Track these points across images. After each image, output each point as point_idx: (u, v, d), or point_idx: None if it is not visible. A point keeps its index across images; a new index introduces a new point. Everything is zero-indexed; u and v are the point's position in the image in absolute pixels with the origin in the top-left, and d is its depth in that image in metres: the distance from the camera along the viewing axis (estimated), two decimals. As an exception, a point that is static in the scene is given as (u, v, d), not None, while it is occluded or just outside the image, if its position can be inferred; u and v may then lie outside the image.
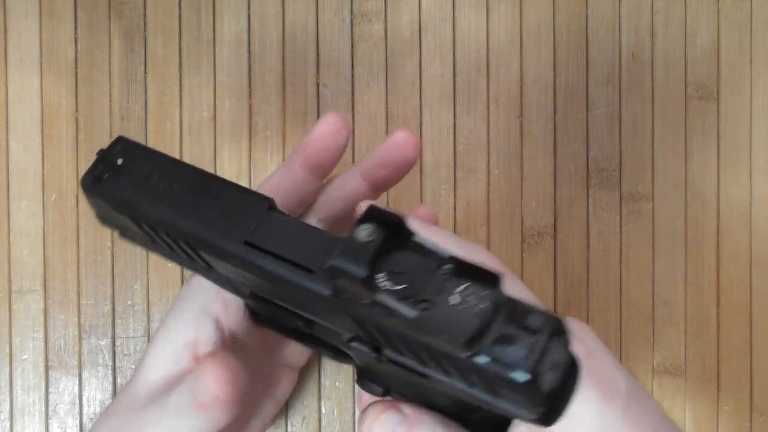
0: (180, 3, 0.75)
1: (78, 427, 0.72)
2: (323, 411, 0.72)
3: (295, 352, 0.60)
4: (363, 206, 0.45)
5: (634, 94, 0.78)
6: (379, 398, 0.50)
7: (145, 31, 0.75)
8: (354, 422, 0.72)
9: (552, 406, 0.38)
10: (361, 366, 0.50)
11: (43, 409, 0.71)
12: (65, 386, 0.71)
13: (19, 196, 0.72)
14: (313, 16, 0.75)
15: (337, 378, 0.73)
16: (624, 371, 0.43)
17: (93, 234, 0.73)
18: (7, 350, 0.71)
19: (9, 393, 0.71)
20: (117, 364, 0.72)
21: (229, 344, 0.51)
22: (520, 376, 0.36)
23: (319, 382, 0.74)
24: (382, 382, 0.49)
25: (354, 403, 0.73)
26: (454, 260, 0.38)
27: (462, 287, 0.38)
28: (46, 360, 0.72)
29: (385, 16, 0.76)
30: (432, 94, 0.76)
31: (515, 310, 0.37)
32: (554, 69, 0.77)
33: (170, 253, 0.50)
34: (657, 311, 0.77)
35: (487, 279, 0.37)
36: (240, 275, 0.46)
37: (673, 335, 0.76)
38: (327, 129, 0.51)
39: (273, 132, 0.74)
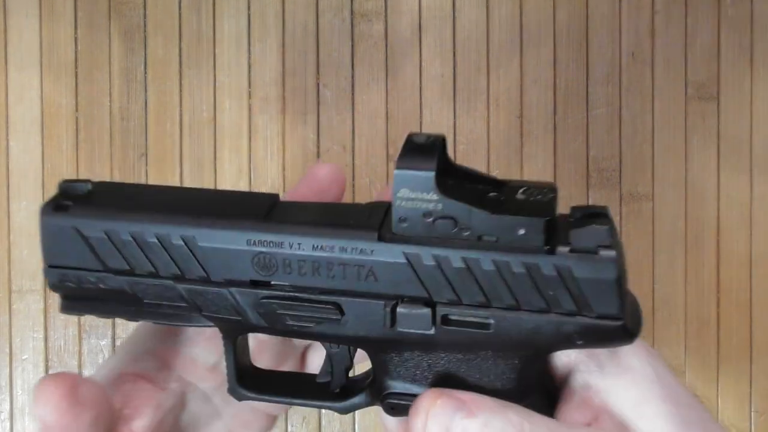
0: (180, 3, 0.75)
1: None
2: (323, 410, 0.72)
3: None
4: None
5: (634, 94, 0.78)
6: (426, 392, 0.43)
7: (145, 31, 0.75)
8: (354, 422, 0.72)
9: (632, 317, 0.38)
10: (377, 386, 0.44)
11: (43, 409, 0.71)
12: (65, 386, 0.71)
13: (19, 196, 0.72)
14: (313, 16, 0.75)
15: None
16: None
17: (93, 234, 0.73)
18: (7, 350, 0.71)
19: (9, 393, 0.71)
20: (117, 364, 0.72)
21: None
22: (607, 253, 0.36)
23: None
24: (408, 395, 0.43)
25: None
26: (498, 181, 0.40)
27: (523, 188, 0.40)
28: (46, 360, 0.72)
29: (385, 16, 0.76)
30: (432, 94, 0.76)
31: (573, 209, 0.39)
32: (554, 69, 0.77)
33: (154, 291, 0.43)
34: (657, 311, 0.77)
35: (540, 186, 0.39)
36: (249, 272, 0.42)
37: (673, 335, 0.76)
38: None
39: (273, 132, 0.74)
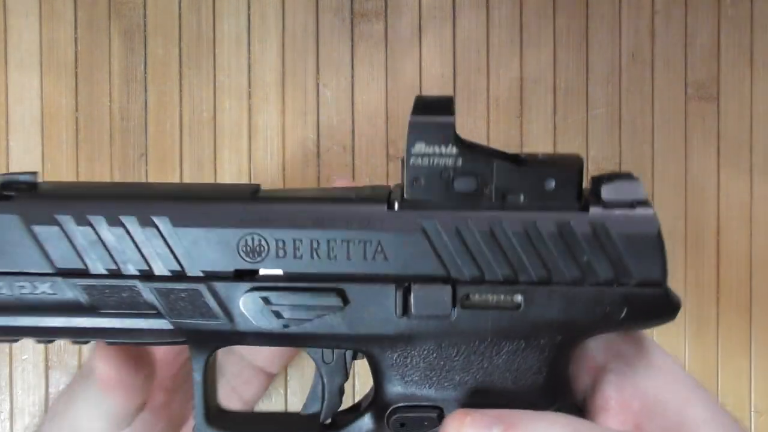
0: (180, 3, 0.75)
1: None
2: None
3: (267, 357, 0.56)
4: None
5: (634, 94, 0.78)
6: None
7: (145, 31, 0.75)
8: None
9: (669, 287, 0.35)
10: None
11: (43, 409, 0.71)
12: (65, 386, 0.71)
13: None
14: (313, 16, 0.75)
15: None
16: None
17: (93, 234, 0.73)
18: (7, 350, 0.71)
19: (9, 393, 0.71)
20: (117, 364, 0.72)
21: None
22: (645, 207, 0.33)
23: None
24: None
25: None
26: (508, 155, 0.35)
27: (542, 153, 0.36)
28: (46, 360, 0.72)
29: (385, 16, 0.76)
30: (432, 94, 0.76)
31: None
32: (554, 69, 0.77)
33: (114, 296, 0.36)
34: (657, 311, 0.77)
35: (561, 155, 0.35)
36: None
37: (673, 335, 0.76)
38: None
39: (273, 132, 0.74)
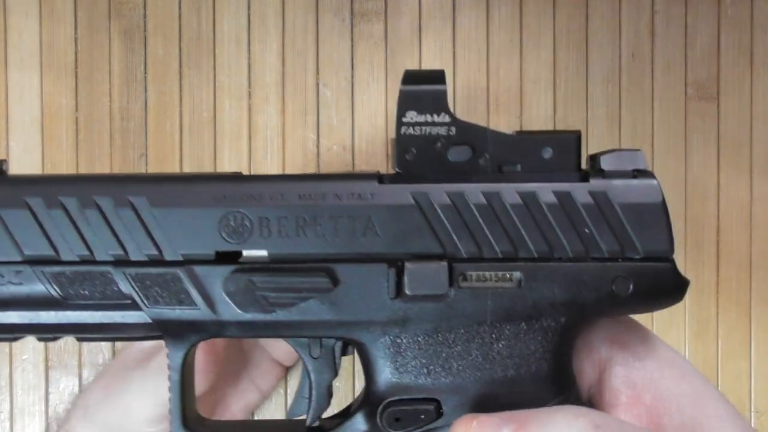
0: (180, 3, 0.75)
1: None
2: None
3: (285, 350, 0.61)
4: None
5: (634, 94, 0.78)
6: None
7: (145, 31, 0.75)
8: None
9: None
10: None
11: (43, 409, 0.71)
12: (65, 386, 0.71)
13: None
14: (313, 16, 0.75)
15: (337, 378, 0.73)
16: None
17: (93, 234, 0.73)
18: (7, 350, 0.71)
19: (9, 393, 0.71)
20: (117, 364, 0.72)
21: None
22: (646, 176, 0.32)
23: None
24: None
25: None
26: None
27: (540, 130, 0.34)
28: (46, 360, 0.72)
29: (385, 16, 0.76)
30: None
31: None
32: (554, 69, 0.77)
33: (85, 285, 0.33)
34: (657, 311, 0.77)
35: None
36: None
37: (673, 335, 0.76)
38: None
39: (273, 132, 0.74)
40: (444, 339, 0.34)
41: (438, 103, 0.32)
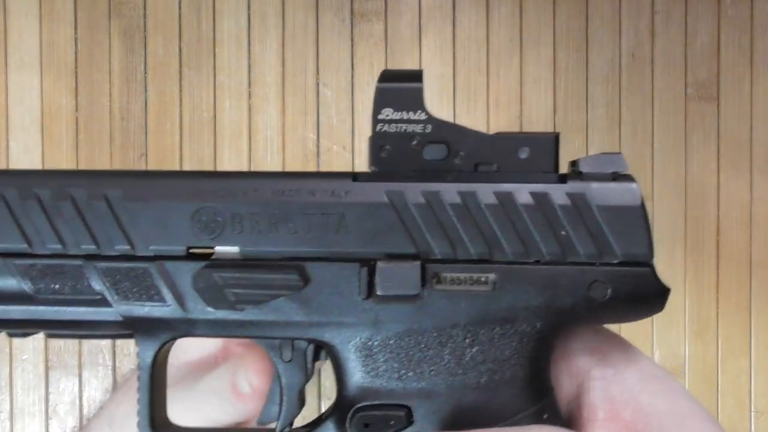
0: (180, 3, 0.75)
1: (78, 427, 0.72)
2: (323, 410, 0.72)
3: None
4: None
5: (634, 94, 0.78)
6: None
7: (145, 31, 0.75)
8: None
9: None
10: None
11: (43, 409, 0.71)
12: (65, 386, 0.71)
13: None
14: (313, 16, 0.75)
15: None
16: None
17: (93, 234, 0.73)
18: (7, 350, 0.71)
19: (9, 393, 0.71)
20: (117, 364, 0.72)
21: None
22: (626, 179, 0.31)
23: (319, 383, 0.74)
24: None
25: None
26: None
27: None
28: (46, 360, 0.72)
29: (385, 16, 0.76)
30: (432, 94, 0.76)
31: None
32: (554, 69, 0.77)
33: (56, 279, 0.33)
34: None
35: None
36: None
37: (673, 335, 0.76)
38: None
39: (273, 132, 0.74)
40: (416, 342, 0.33)
41: (414, 101, 0.31)
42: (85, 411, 0.71)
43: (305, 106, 0.75)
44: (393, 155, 0.32)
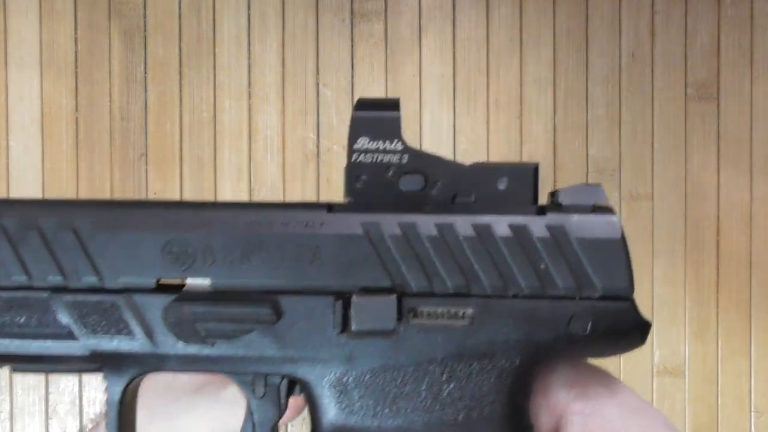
0: (180, 3, 0.75)
1: (78, 427, 0.72)
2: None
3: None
4: None
5: (634, 94, 0.78)
6: None
7: (145, 31, 0.75)
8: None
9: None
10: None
11: (43, 409, 0.71)
12: (65, 386, 0.71)
13: (19, 196, 0.72)
14: (313, 16, 0.75)
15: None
16: None
17: (93, 234, 0.73)
18: (7, 350, 0.71)
19: (9, 393, 0.71)
20: (117, 364, 0.72)
21: None
22: (606, 211, 0.30)
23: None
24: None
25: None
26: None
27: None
28: (46, 360, 0.72)
29: (385, 16, 0.76)
30: (432, 94, 0.76)
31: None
32: (554, 69, 0.77)
33: (22, 313, 0.32)
34: (657, 312, 0.77)
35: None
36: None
37: (673, 335, 0.76)
38: None
39: (273, 132, 0.74)
40: (392, 378, 0.32)
41: (391, 131, 0.31)
42: (84, 411, 0.71)
43: (305, 106, 0.75)
44: (369, 186, 0.30)
